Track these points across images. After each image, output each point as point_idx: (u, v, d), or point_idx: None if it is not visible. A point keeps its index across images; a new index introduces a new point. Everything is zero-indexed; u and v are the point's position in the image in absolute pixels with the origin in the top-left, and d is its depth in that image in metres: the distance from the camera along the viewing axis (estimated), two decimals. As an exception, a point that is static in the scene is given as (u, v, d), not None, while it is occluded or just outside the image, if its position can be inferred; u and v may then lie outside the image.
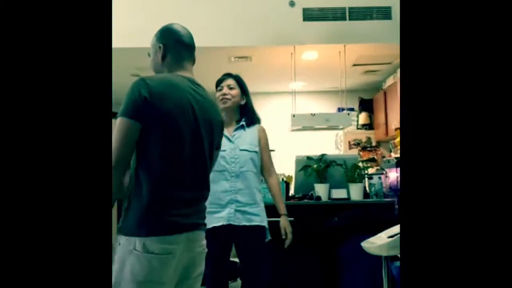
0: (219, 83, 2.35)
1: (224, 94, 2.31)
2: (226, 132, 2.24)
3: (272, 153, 5.07)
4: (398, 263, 3.13)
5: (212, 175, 2.00)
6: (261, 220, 2.28)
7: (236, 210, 2.20)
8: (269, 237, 2.33)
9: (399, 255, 2.86)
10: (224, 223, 2.17)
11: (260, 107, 6.66)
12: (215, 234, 2.11)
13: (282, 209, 2.40)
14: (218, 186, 2.18)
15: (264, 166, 2.41)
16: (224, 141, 2.08)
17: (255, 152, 2.34)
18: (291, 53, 4.74)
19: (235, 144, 2.29)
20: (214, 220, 2.15)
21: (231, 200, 2.20)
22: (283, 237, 2.36)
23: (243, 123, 2.35)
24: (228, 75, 2.38)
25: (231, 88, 2.32)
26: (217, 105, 2.22)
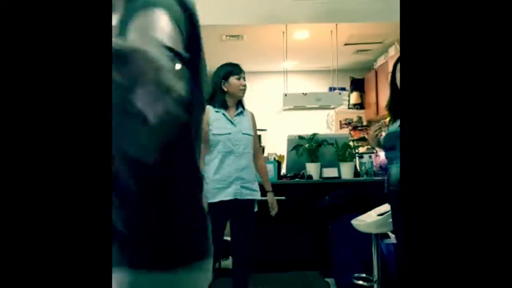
0: (237, 71, 2.58)
1: (245, 85, 2.61)
2: (228, 116, 2.53)
3: (263, 132, 5.10)
4: (387, 241, 3.19)
5: (221, 156, 2.42)
6: (259, 194, 2.57)
7: (242, 187, 2.46)
8: (256, 208, 2.60)
9: (388, 233, 2.91)
10: (231, 198, 2.43)
11: (252, 86, 6.62)
12: (220, 207, 2.39)
13: (269, 187, 2.73)
14: (227, 165, 2.45)
15: (254, 149, 2.65)
16: (228, 124, 2.47)
17: (252, 135, 2.61)
18: (283, 32, 4.70)
19: (238, 128, 2.53)
20: (222, 195, 2.42)
21: (237, 177, 2.45)
22: (271, 209, 2.69)
23: (241, 109, 2.62)
24: (240, 68, 2.63)
25: (245, 80, 2.63)
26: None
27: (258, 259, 3.43)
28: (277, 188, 3.54)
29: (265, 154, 4.20)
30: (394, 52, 5.07)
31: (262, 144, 4.61)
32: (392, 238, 2.93)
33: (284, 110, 5.16)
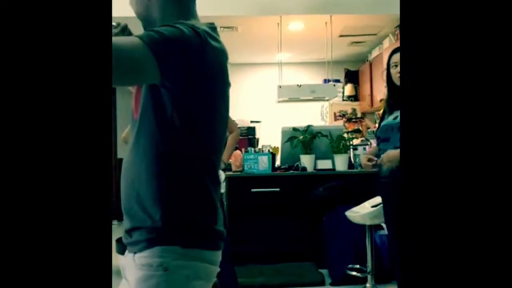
0: None
1: None
2: None
3: (258, 124, 5.08)
4: (381, 232, 3.21)
5: None
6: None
7: None
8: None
9: (382, 224, 2.93)
10: None
11: (246, 78, 6.61)
12: None
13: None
14: None
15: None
16: None
17: None
18: (278, 23, 4.68)
19: None
20: None
21: None
22: None
23: None
24: None
25: None
26: None
27: (253, 251, 3.44)
28: (271, 180, 3.55)
29: (259, 146, 4.20)
30: (388, 44, 5.07)
31: (257, 136, 4.60)
32: (386, 230, 2.95)
33: (279, 101, 5.15)
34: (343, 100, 6.27)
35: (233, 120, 2.77)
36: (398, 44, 4.21)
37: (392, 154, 2.14)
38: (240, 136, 4.43)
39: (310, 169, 3.54)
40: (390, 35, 5.00)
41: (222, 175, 2.62)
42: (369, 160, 2.33)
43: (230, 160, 3.54)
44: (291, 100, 5.08)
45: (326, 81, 5.73)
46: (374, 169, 2.35)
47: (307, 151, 3.55)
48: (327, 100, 5.69)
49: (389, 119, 2.28)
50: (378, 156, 2.34)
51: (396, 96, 2.29)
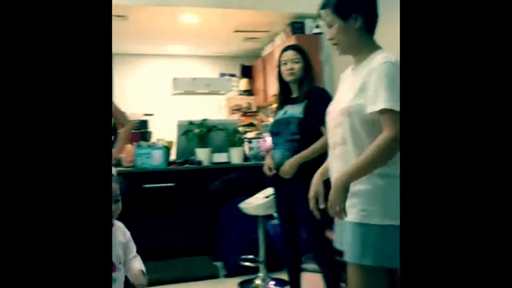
0: None
1: None
2: None
3: (151, 117, 4.93)
4: (273, 222, 3.34)
5: None
6: None
7: None
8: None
9: (273, 214, 3.05)
10: None
11: (138, 70, 6.37)
12: None
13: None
14: None
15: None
16: None
17: None
18: (171, 15, 4.58)
19: None
20: None
21: None
22: None
23: None
24: None
25: None
26: None
27: (146, 248, 3.34)
28: (166, 175, 3.48)
29: (153, 140, 4.09)
30: (280, 41, 5.25)
31: (150, 130, 4.47)
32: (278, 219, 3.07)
33: (174, 94, 5.06)
34: (239, 94, 6.37)
35: (125, 113, 2.63)
36: (289, 42, 4.39)
37: (289, 165, 2.24)
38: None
39: (206, 162, 3.55)
40: (282, 32, 5.19)
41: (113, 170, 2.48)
42: (269, 169, 2.39)
43: (121, 155, 3.39)
44: (187, 93, 5.03)
45: (222, 75, 5.77)
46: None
47: (203, 145, 3.55)
48: (223, 94, 5.74)
49: (280, 114, 2.38)
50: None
51: (285, 92, 2.40)
